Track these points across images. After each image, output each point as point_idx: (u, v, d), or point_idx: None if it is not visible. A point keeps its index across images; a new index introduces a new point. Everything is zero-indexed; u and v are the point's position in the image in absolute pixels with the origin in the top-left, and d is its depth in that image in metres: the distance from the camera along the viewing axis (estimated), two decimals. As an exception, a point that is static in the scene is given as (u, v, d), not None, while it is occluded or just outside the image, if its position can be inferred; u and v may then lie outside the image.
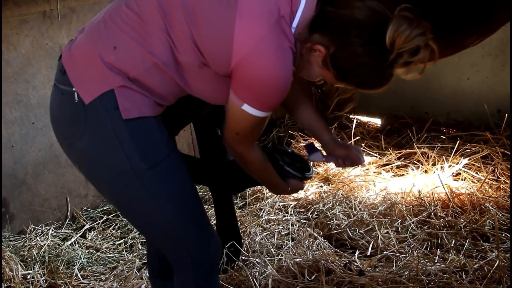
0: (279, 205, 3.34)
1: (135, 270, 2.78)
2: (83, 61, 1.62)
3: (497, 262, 2.53)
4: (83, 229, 3.29)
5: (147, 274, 2.73)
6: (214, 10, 1.56)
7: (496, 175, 3.46)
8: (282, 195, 3.42)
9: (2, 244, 3.06)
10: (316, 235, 2.92)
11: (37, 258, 2.94)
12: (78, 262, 2.93)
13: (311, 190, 3.53)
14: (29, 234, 3.20)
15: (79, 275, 2.80)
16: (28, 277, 2.76)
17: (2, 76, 3.15)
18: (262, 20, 1.53)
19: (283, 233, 3.03)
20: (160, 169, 1.63)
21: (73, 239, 3.15)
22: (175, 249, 1.74)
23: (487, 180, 3.36)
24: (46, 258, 2.92)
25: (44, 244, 3.05)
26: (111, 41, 1.60)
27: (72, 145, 1.66)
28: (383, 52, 1.51)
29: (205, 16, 1.57)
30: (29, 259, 2.94)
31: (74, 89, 1.59)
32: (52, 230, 3.26)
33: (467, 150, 3.71)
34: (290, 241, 2.94)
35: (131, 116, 1.58)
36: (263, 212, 3.27)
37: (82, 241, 3.18)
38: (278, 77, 1.56)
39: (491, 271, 2.49)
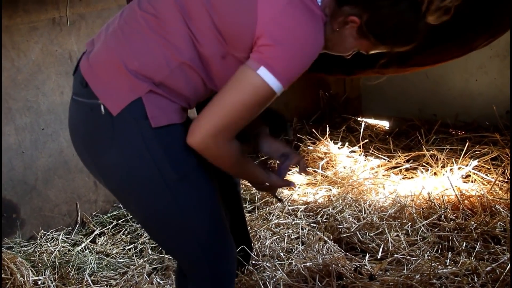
0: (288, 209, 3.34)
1: (145, 275, 2.78)
2: (105, 71, 1.57)
3: (509, 264, 2.51)
4: (93, 235, 3.30)
5: (158, 280, 2.74)
6: None
7: (506, 177, 3.45)
8: (290, 201, 3.43)
9: (13, 250, 3.08)
10: (326, 238, 2.92)
11: (48, 264, 2.95)
12: (89, 267, 2.94)
13: (320, 193, 3.52)
14: (39, 239, 3.21)
15: (89, 281, 2.81)
16: (39, 282, 2.77)
17: (13, 83, 3.17)
18: None
19: (292, 237, 3.03)
20: (190, 179, 1.60)
21: (83, 245, 3.16)
22: (196, 261, 1.71)
23: (497, 181, 3.34)
24: (57, 263, 2.93)
25: (55, 250, 3.07)
26: (132, 47, 1.55)
27: (99, 161, 1.61)
28: (414, 5, 1.48)
29: (224, 1, 1.52)
30: (40, 264, 2.95)
31: (99, 101, 1.54)
32: (62, 235, 3.27)
33: (476, 152, 3.69)
34: (300, 245, 2.94)
35: (160, 124, 1.53)
36: (272, 216, 3.27)
37: (92, 246, 3.19)
38: (308, 41, 1.49)
39: (504, 273, 2.47)
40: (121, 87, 1.54)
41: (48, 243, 3.18)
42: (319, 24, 1.53)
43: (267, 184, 1.78)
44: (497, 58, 4.21)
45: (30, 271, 2.82)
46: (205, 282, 1.73)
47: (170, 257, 2.86)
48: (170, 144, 1.56)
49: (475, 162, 3.52)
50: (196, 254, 1.69)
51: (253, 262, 2.78)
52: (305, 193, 3.58)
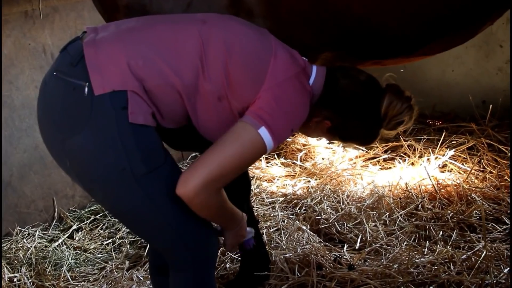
0: (267, 201, 3.34)
1: (124, 271, 2.76)
2: (107, 56, 1.62)
3: (484, 252, 2.55)
4: (70, 230, 3.26)
5: (138, 276, 2.72)
6: (253, 48, 1.71)
7: (482, 166, 3.49)
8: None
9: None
10: (304, 228, 2.93)
11: (24, 261, 2.91)
12: (66, 263, 2.91)
13: (299, 185, 3.53)
14: (15, 236, 3.17)
15: (68, 276, 2.78)
16: (15, 280, 2.73)
17: (-16, 77, 3.11)
18: (294, 66, 1.74)
19: (271, 229, 3.03)
20: (158, 173, 1.64)
21: (60, 240, 3.13)
22: (175, 249, 1.75)
23: (473, 171, 3.38)
24: (33, 260, 2.89)
25: (31, 246, 3.02)
26: (142, 48, 1.64)
27: (68, 140, 1.62)
28: (377, 120, 1.85)
29: (243, 50, 1.69)
30: (16, 261, 2.91)
31: (85, 83, 1.58)
32: (39, 231, 3.23)
33: (453, 142, 3.73)
34: (281, 236, 2.93)
35: (137, 122, 1.59)
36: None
37: (69, 242, 3.15)
38: (301, 110, 1.76)
39: (479, 261, 2.51)
40: (114, 75, 1.60)
41: (24, 240, 3.13)
42: (308, 100, 1.78)
43: (241, 224, 1.86)
44: (473, 48, 4.25)
45: (5, 268, 2.78)
46: (187, 268, 1.77)
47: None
48: (142, 140, 1.62)
49: (451, 152, 3.56)
50: (174, 242, 1.73)
51: (233, 256, 2.78)
52: (284, 185, 3.58)
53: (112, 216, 3.31)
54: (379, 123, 1.86)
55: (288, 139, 4.03)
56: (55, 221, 3.40)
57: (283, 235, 2.93)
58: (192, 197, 1.61)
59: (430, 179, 3.25)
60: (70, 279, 2.77)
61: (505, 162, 3.47)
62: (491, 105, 3.95)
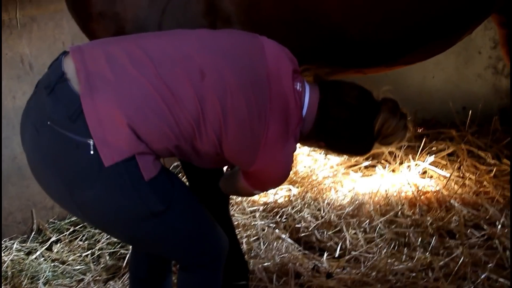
0: (248, 210, 3.33)
1: (100, 283, 2.73)
2: (109, 119, 1.60)
3: (462, 258, 2.56)
4: (49, 242, 3.22)
5: (114, 286, 2.69)
6: (246, 119, 1.72)
7: (461, 172, 3.50)
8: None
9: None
10: (283, 236, 2.92)
11: None
12: (43, 276, 2.87)
13: (280, 193, 3.52)
14: (-8, 249, 3.13)
15: (43, 289, 2.75)
16: (-9, 294, 2.69)
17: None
18: (283, 140, 1.79)
19: (251, 239, 3.01)
20: (174, 203, 1.72)
21: (38, 253, 3.09)
22: (194, 255, 1.85)
23: (452, 177, 3.39)
24: (9, 273, 2.85)
25: (8, 259, 2.98)
26: (144, 112, 1.62)
27: (78, 195, 1.65)
28: (371, 137, 1.88)
29: (238, 123, 1.71)
30: (-8, 275, 2.87)
31: (89, 141, 1.59)
32: (17, 244, 3.18)
33: (433, 148, 3.75)
34: (261, 245, 2.92)
35: (152, 176, 1.65)
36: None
37: (47, 254, 3.11)
38: (285, 176, 1.92)
39: (456, 267, 2.51)
40: (119, 139, 1.61)
41: (2, 253, 3.09)
42: (292, 157, 1.90)
43: None
44: (452, 54, 4.27)
45: (-19, 282, 2.73)
46: (206, 269, 1.87)
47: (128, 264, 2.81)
48: (155, 185, 1.67)
49: (431, 158, 3.57)
50: (193, 249, 1.84)
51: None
52: (265, 193, 3.56)
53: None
54: (373, 139, 1.90)
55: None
56: (34, 233, 3.35)
57: (262, 244, 2.91)
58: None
59: (410, 186, 3.25)
60: (46, 292, 2.74)
61: (484, 168, 3.48)
62: (470, 111, 3.98)
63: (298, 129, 1.84)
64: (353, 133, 1.89)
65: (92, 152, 1.59)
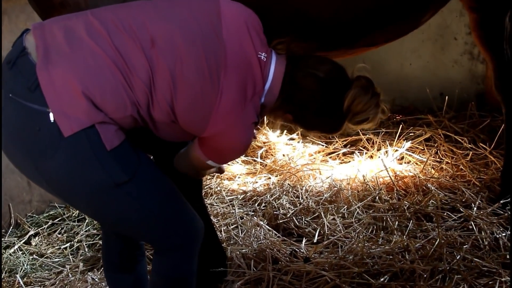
0: (227, 199, 3.33)
1: (78, 274, 2.72)
2: (65, 90, 1.61)
3: (438, 240, 2.58)
4: (28, 235, 3.20)
5: (93, 277, 2.68)
6: (197, 85, 1.71)
7: (438, 156, 3.54)
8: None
9: None
10: (261, 223, 2.92)
11: (-23, 269, 2.84)
12: (21, 269, 2.85)
13: (259, 182, 3.53)
14: (-31, 244, 3.09)
15: (21, 283, 2.72)
16: (-32, 288, 2.67)
17: None
18: (238, 107, 1.76)
19: (230, 227, 3.01)
20: (138, 175, 1.71)
21: (16, 246, 3.06)
22: (166, 237, 1.82)
23: (429, 161, 3.42)
24: (-14, 267, 2.83)
25: (-16, 254, 2.96)
26: (99, 79, 1.63)
27: (42, 165, 1.65)
28: (340, 115, 1.84)
29: (188, 89, 1.70)
30: (-31, 270, 2.84)
31: (49, 109, 1.59)
32: (-6, 238, 3.16)
33: (410, 134, 3.78)
34: (239, 233, 2.92)
35: (114, 145, 1.66)
36: (209, 206, 3.25)
37: (26, 247, 3.09)
38: (241, 149, 1.88)
39: (432, 249, 2.54)
40: (76, 109, 1.61)
41: (-22, 248, 3.06)
42: (253, 129, 1.86)
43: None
44: (429, 41, 4.32)
45: (-43, 277, 2.71)
46: (176, 250, 1.84)
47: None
48: (118, 154, 1.68)
49: (408, 144, 3.60)
50: (165, 231, 1.81)
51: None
52: (244, 182, 3.57)
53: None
54: (343, 116, 1.84)
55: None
56: (11, 227, 3.32)
57: (240, 231, 2.92)
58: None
59: (387, 171, 3.28)
60: (24, 286, 2.71)
61: (461, 152, 3.52)
62: (447, 97, 4.02)
63: (258, 98, 1.81)
64: (321, 106, 1.85)
65: (52, 120, 1.60)
